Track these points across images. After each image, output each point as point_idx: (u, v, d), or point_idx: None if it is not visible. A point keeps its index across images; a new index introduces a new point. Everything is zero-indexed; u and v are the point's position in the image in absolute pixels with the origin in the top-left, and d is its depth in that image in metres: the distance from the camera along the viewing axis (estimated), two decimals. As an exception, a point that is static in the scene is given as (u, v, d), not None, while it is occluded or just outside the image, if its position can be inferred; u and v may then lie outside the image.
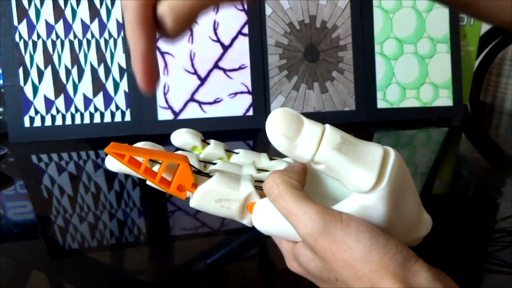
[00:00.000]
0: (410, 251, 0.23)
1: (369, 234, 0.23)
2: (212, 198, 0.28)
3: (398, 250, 0.23)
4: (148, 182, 0.29)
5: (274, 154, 0.37)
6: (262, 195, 0.28)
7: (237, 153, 0.35)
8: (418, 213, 0.29)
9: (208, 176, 0.28)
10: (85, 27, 0.72)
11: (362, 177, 0.24)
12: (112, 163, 0.30)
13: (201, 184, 0.28)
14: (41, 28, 0.71)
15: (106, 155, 0.27)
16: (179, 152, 0.33)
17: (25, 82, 0.70)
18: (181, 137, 0.34)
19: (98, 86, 0.73)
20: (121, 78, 0.73)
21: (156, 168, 0.29)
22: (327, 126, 0.25)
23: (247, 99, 0.78)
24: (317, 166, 0.25)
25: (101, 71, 0.73)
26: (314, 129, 0.24)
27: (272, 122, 0.24)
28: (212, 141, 0.35)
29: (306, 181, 0.28)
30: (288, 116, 0.24)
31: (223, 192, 0.28)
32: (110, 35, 0.73)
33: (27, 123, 0.70)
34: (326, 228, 0.23)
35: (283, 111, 0.24)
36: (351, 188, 0.25)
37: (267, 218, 0.27)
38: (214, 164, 0.33)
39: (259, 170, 0.33)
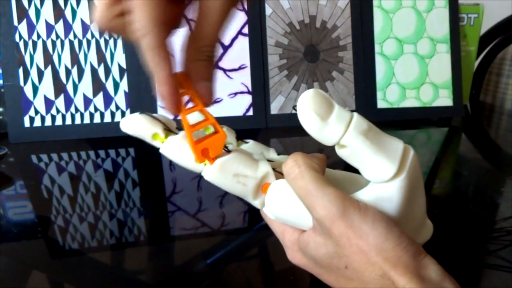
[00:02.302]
0: (420, 246, 0.24)
1: (385, 224, 0.24)
2: (230, 172, 0.28)
3: (410, 242, 0.23)
4: (161, 150, 0.29)
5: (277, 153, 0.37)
6: (278, 178, 0.28)
7: (247, 142, 0.35)
8: (423, 217, 0.29)
9: (228, 151, 0.29)
10: (85, 27, 0.72)
11: (384, 165, 0.25)
12: (129, 125, 0.30)
13: (221, 157, 0.28)
14: (41, 28, 0.71)
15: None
16: None
17: (25, 82, 0.70)
18: (195, 115, 0.34)
19: (98, 86, 0.73)
20: (121, 78, 0.73)
21: (176, 137, 0.30)
22: (355, 113, 0.25)
23: (247, 99, 0.78)
24: (341, 150, 0.25)
25: (101, 71, 0.73)
26: (343, 113, 0.25)
27: (305, 100, 0.24)
28: (225, 126, 0.35)
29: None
30: (321, 96, 0.25)
31: (242, 167, 0.28)
32: (110, 35, 0.73)
33: (27, 123, 0.70)
34: (345, 212, 0.24)
35: (316, 91, 0.25)
36: (371, 176, 0.25)
37: (281, 200, 0.27)
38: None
39: (268, 161, 0.33)
